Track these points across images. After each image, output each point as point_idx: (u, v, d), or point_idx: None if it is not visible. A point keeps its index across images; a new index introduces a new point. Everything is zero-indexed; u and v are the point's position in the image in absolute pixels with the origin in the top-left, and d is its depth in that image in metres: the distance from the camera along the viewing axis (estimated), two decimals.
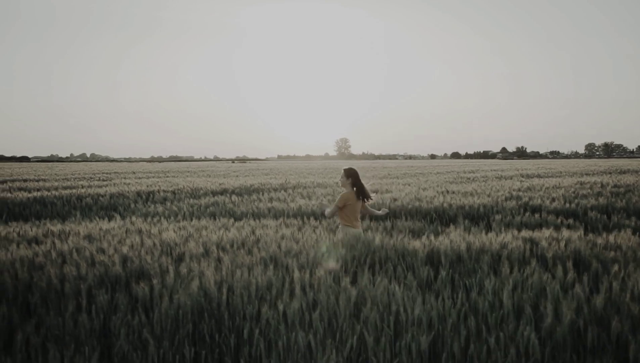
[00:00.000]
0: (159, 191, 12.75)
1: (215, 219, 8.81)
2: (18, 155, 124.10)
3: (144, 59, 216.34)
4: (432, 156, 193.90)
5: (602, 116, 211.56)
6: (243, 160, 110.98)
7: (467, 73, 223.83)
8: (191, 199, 11.48)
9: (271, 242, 5.70)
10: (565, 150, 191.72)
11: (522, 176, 18.86)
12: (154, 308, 3.84)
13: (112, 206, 11.10)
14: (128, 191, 12.70)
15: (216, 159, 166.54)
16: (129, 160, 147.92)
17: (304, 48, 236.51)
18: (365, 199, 6.01)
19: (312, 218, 7.98)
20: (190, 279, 4.22)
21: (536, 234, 6.15)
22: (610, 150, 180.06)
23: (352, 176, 5.93)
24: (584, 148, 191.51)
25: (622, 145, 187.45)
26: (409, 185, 14.45)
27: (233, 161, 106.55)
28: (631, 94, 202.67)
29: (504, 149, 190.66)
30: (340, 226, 5.98)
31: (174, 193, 12.82)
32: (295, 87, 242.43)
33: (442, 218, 8.63)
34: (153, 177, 21.13)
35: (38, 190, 13.71)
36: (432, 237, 5.94)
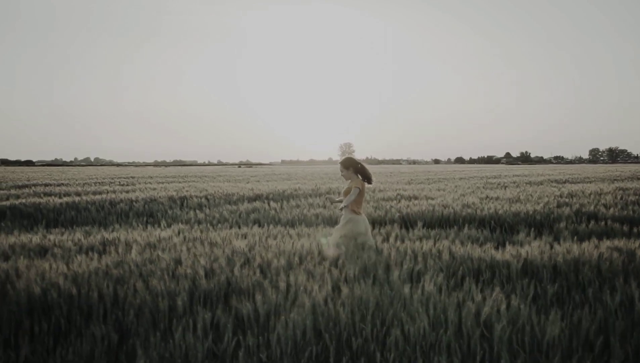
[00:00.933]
0: (191, 197, 12.44)
1: (261, 226, 8.53)
2: (22, 159, 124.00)
3: (146, 63, 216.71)
4: (436, 161, 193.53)
5: (606, 121, 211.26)
6: (249, 164, 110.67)
7: (471, 78, 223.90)
8: (228, 206, 11.18)
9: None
10: (568, 155, 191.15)
11: (553, 182, 18.52)
12: (266, 329, 3.54)
13: (148, 212, 10.81)
14: (160, 197, 12.40)
15: (220, 164, 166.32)
16: (133, 164, 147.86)
17: (307, 52, 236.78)
18: (369, 183, 5.82)
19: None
20: (294, 296, 3.92)
21: (622, 244, 5.86)
22: (614, 155, 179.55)
23: (351, 165, 5.75)
24: (587, 153, 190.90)
25: (626, 150, 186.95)
26: (444, 191, 14.14)
27: (239, 165, 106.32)
28: (635, 98, 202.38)
29: (507, 155, 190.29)
30: (344, 214, 5.70)
31: (206, 198, 12.52)
32: (298, 91, 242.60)
33: (501, 226, 8.32)
34: (174, 182, 20.84)
35: (67, 195, 13.43)
36: (519, 247, 5.65)
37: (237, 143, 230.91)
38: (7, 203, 11.58)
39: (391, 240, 6.13)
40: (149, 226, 8.21)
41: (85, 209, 11.04)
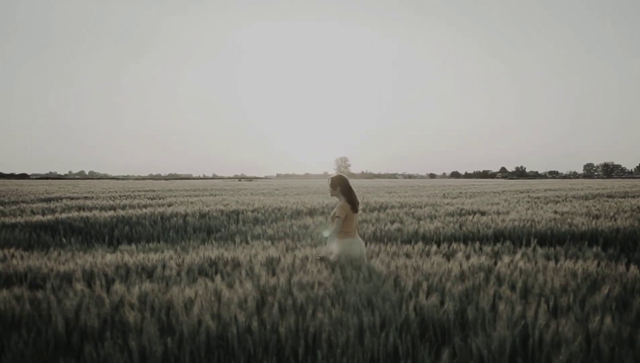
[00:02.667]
0: (244, 211, 11.75)
1: None
2: (16, 172, 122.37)
3: (141, 76, 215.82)
4: (432, 176, 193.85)
5: (600, 136, 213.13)
6: (249, 178, 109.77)
7: (466, 93, 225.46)
8: (294, 220, 10.50)
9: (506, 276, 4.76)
10: (563, 170, 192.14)
11: (603, 197, 18.00)
12: None
13: (205, 228, 10.10)
14: (212, 211, 11.69)
15: (215, 177, 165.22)
16: (127, 178, 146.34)
17: (302, 66, 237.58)
18: (354, 211, 5.36)
19: (449, 244, 7.06)
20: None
21: None
22: (609, 170, 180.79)
23: (340, 184, 5.40)
24: (582, 168, 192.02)
25: (620, 165, 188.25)
26: (498, 204, 13.54)
27: (239, 179, 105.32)
28: (628, 114, 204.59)
29: (503, 169, 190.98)
30: (337, 241, 5.29)
31: (258, 212, 11.83)
32: (293, 105, 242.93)
33: (617, 243, 7.72)
34: (201, 195, 20.09)
35: (110, 209, 12.68)
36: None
37: (232, 157, 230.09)
38: (51, 217, 10.82)
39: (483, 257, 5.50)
40: (236, 243, 7.52)
41: (137, 224, 10.31)
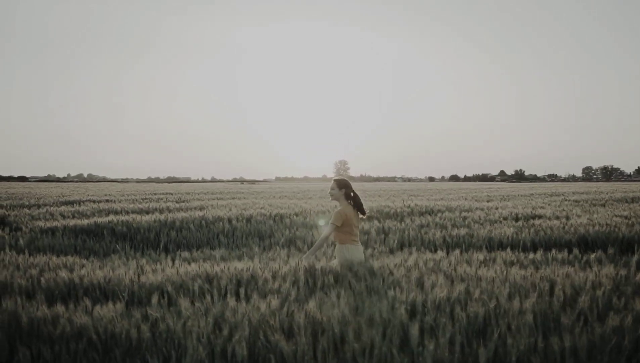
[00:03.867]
0: (289, 216, 11.19)
1: (434, 250, 7.38)
2: (15, 175, 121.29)
3: (139, 79, 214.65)
4: (431, 179, 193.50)
5: (598, 139, 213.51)
6: (251, 182, 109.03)
7: (466, 96, 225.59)
8: (367, 222, 9.98)
9: None
10: (561, 173, 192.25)
11: (629, 200, 17.51)
12: None
13: (256, 233, 9.53)
14: (256, 214, 11.12)
15: (214, 180, 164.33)
16: (126, 181, 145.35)
17: (301, 68, 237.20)
18: (362, 214, 5.37)
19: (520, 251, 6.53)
20: None
21: None
22: (608, 173, 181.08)
23: (345, 186, 5.29)
24: (581, 171, 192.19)
25: (619, 168, 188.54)
26: (543, 208, 13.01)
27: (241, 182, 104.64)
28: (627, 117, 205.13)
29: (502, 172, 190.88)
30: (337, 248, 5.24)
31: (301, 216, 11.27)
32: (291, 107, 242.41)
33: None
34: (225, 199, 19.49)
35: (146, 212, 12.09)
36: None
37: (230, 160, 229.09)
38: (90, 221, 10.23)
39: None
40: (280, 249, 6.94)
41: (182, 229, 9.74)
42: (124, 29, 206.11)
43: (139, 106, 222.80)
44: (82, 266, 6.07)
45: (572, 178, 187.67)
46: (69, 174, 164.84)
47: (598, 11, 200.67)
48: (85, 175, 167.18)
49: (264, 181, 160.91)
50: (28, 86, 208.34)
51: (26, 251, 7.35)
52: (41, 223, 10.32)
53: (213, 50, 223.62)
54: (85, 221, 10.15)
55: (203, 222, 10.18)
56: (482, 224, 9.69)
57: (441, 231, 8.68)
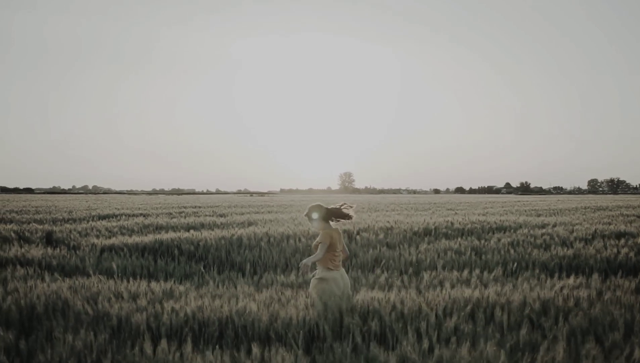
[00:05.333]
0: (358, 233, 10.45)
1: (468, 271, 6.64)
2: (20, 187, 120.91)
3: (140, 90, 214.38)
4: (436, 191, 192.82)
5: (604, 152, 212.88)
6: (260, 194, 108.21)
7: (471, 107, 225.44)
8: (444, 240, 9.28)
9: None
10: (567, 186, 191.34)
11: None
12: None
13: None
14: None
15: (219, 192, 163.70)
16: (131, 193, 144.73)
17: (305, 80, 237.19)
18: (344, 219, 4.89)
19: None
20: None
21: None
22: (615, 186, 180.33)
23: (316, 212, 4.81)
24: (586, 184, 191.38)
25: (624, 181, 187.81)
26: (608, 224, 12.26)
27: (250, 194, 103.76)
28: (633, 130, 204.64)
29: (507, 185, 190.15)
30: (318, 272, 4.75)
31: (384, 233, 10.53)
32: (296, 119, 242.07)
33: None
34: (265, 213, 18.77)
35: (196, 228, 11.36)
36: None
37: (233, 172, 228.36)
38: (150, 238, 9.50)
39: None
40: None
41: (252, 247, 9.01)
42: (122, 41, 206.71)
43: (140, 118, 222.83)
44: (182, 294, 5.34)
45: (578, 191, 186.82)
46: (74, 186, 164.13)
47: (604, 23, 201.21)
48: (90, 187, 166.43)
49: (269, 193, 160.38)
50: (32, 97, 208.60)
51: (95, 273, 6.66)
52: (95, 240, 9.61)
53: (214, 61, 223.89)
54: (146, 239, 9.43)
55: (272, 239, 9.45)
56: (575, 243, 8.95)
57: (544, 251, 7.96)
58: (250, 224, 12.97)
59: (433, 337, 3.57)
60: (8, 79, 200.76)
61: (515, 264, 7.07)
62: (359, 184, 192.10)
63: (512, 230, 10.99)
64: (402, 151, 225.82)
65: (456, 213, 18.56)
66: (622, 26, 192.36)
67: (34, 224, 12.34)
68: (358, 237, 9.94)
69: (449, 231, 10.83)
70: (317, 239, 4.75)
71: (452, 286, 4.93)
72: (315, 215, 4.83)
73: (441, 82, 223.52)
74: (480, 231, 10.99)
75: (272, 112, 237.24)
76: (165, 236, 9.73)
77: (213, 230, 11.26)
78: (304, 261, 4.56)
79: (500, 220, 13.01)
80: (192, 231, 10.70)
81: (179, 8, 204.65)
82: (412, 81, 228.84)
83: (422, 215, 16.56)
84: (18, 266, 6.82)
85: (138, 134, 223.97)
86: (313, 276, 4.79)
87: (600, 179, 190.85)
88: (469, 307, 4.25)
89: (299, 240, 9.58)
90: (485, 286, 5.39)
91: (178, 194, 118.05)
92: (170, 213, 17.37)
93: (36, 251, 8.25)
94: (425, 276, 6.30)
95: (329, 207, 4.88)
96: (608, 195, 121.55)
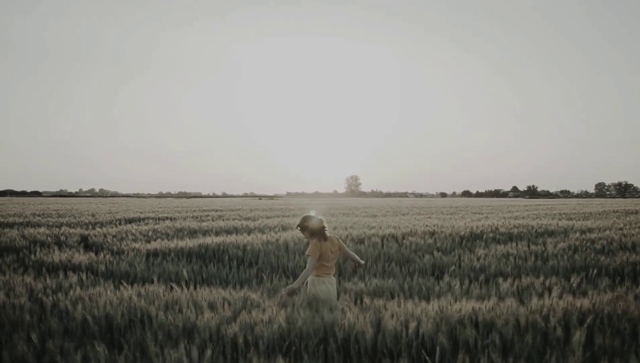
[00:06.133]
0: (404, 236, 10.12)
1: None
2: (28, 190, 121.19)
3: (144, 94, 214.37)
4: (443, 195, 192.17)
5: (611, 155, 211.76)
6: (270, 197, 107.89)
7: (477, 110, 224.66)
8: (498, 245, 8.92)
9: None
10: (574, 189, 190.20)
11: None
12: None
13: (388, 257, 8.47)
14: (373, 236, 10.06)
15: (225, 196, 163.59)
16: (138, 196, 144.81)
17: (310, 83, 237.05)
18: (325, 238, 4.95)
19: None
20: None
21: None
22: (623, 189, 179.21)
23: (301, 225, 5.01)
24: (593, 188, 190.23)
25: (632, 185, 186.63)
26: None
27: (260, 198, 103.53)
28: (638, 133, 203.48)
29: (514, 188, 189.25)
30: (310, 279, 4.89)
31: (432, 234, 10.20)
32: (302, 122, 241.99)
33: None
34: (286, 216, 18.46)
35: (246, 231, 11.06)
36: None
37: (239, 175, 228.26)
38: (194, 243, 9.20)
39: None
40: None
41: (299, 253, 8.69)
42: (125, 44, 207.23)
43: (143, 121, 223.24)
44: (259, 303, 5.01)
45: (585, 194, 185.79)
46: (80, 189, 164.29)
47: (611, 25, 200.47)
48: (97, 190, 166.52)
49: (275, 196, 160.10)
50: (34, 100, 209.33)
51: (139, 282, 6.37)
52: (136, 244, 9.32)
53: (216, 64, 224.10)
54: (190, 243, 9.13)
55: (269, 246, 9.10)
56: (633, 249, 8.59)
57: (610, 257, 7.60)
58: (284, 228, 12.66)
59: (577, 352, 3.23)
60: (10, 82, 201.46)
61: (595, 270, 6.71)
62: (365, 187, 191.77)
63: (561, 235, 10.62)
64: (406, 153, 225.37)
65: (487, 216, 18.18)
66: (629, 25, 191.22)
67: (65, 228, 12.06)
68: (405, 242, 9.60)
69: (497, 236, 10.48)
70: (307, 251, 4.92)
71: (560, 296, 4.58)
72: (303, 228, 5.00)
73: (443, 84, 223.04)
74: (529, 235, 10.63)
75: (275, 115, 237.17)
76: (209, 240, 9.43)
77: (250, 234, 10.95)
78: (290, 286, 4.76)
79: (540, 224, 12.65)
80: (234, 235, 10.40)
81: (179, 11, 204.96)
82: (416, 85, 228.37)
83: (455, 219, 16.21)
84: (69, 272, 6.52)
85: (140, 137, 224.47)
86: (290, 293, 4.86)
87: (607, 182, 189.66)
88: (589, 319, 3.91)
89: (347, 244, 9.25)
90: (584, 294, 5.04)
91: (186, 197, 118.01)
92: (196, 217, 17.08)
93: (82, 257, 7.97)
94: (504, 284, 5.96)
95: (309, 223, 4.95)
96: (616, 199, 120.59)
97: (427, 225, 12.11)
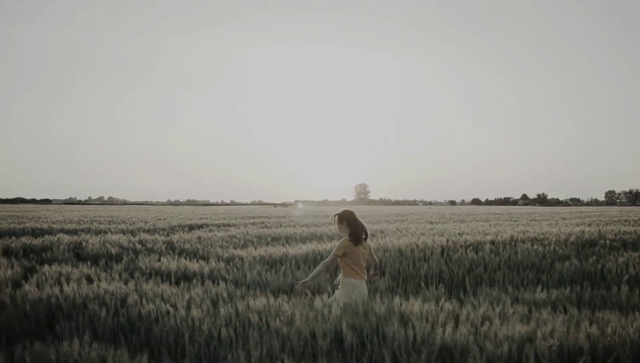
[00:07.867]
0: (484, 244, 9.55)
1: None
2: (38, 198, 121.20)
3: (144, 102, 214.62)
4: (452, 202, 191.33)
5: (621, 162, 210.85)
6: (284, 205, 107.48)
7: (485, 117, 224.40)
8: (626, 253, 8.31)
9: None
10: (584, 197, 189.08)
11: None
12: None
13: (515, 266, 7.90)
14: (455, 244, 9.48)
15: (234, 204, 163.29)
16: (147, 203, 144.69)
17: (317, 90, 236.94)
18: (360, 243, 4.79)
19: None
20: None
21: None
22: (634, 197, 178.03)
23: (346, 219, 4.85)
24: (603, 196, 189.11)
25: None
26: None
27: (275, 205, 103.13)
28: None
29: (524, 196, 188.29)
30: (340, 279, 4.84)
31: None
32: (309, 129, 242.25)
33: None
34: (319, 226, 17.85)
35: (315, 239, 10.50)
36: None
37: (246, 183, 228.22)
38: (265, 251, 8.67)
39: None
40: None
41: (420, 260, 8.12)
42: (128, 51, 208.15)
43: (153, 130, 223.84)
44: (452, 312, 4.44)
45: (595, 202, 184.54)
46: (90, 197, 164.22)
47: (619, 31, 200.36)
48: (106, 198, 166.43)
49: (283, 204, 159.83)
50: (44, 108, 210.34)
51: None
52: (236, 252, 8.80)
53: (220, 72, 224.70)
54: (300, 251, 8.60)
55: (417, 252, 8.54)
56: None
57: None
58: (332, 238, 12.09)
59: None
60: (16, 90, 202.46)
61: None
62: (374, 195, 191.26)
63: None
64: (417, 162, 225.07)
65: (527, 224, 17.55)
66: (624, 30, 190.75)
67: (143, 234, 11.53)
68: (519, 247, 9.02)
69: (608, 242, 9.85)
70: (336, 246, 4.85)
71: None
72: (342, 220, 4.85)
73: (454, 92, 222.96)
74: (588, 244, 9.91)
75: (282, 122, 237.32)
76: (313, 246, 8.88)
77: (331, 241, 10.40)
78: (304, 280, 4.78)
79: (592, 232, 11.94)
80: (325, 242, 9.86)
81: (183, 19, 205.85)
82: (425, 92, 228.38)
83: (521, 226, 15.61)
84: (207, 281, 5.97)
85: (146, 145, 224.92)
86: (336, 284, 4.98)
87: (617, 190, 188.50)
88: None
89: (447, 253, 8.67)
90: None
91: (194, 205, 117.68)
92: (253, 223, 16.55)
93: (194, 265, 7.43)
94: None
95: (357, 224, 4.79)
96: (628, 207, 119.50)
97: (524, 232, 11.51)
